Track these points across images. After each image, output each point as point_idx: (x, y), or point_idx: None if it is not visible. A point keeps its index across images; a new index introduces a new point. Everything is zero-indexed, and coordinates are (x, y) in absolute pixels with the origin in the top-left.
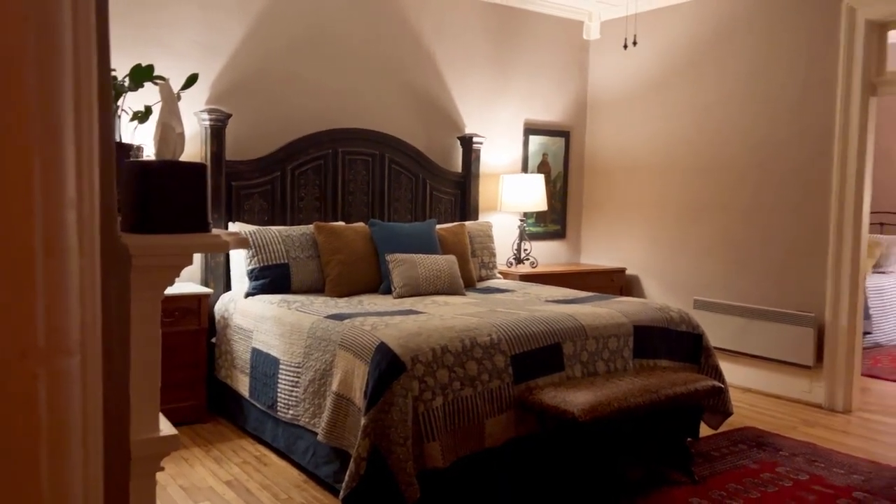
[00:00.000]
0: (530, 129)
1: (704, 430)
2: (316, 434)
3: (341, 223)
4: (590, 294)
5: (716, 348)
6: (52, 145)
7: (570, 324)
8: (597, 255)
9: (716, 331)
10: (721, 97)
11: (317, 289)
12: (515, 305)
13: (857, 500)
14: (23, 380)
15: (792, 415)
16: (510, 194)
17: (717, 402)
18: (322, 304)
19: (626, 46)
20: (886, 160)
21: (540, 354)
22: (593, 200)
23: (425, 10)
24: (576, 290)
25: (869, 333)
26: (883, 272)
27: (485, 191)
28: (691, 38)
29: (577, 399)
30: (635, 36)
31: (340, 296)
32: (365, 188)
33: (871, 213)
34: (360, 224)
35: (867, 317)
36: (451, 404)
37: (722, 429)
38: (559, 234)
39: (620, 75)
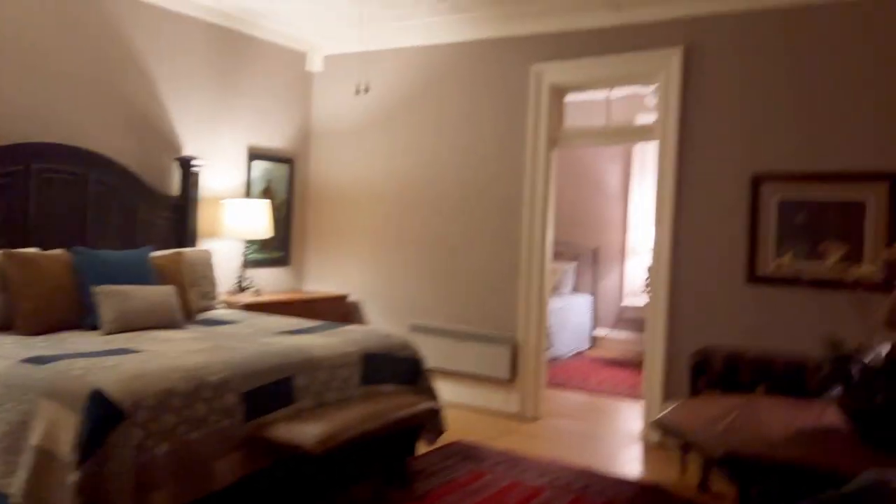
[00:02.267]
0: (254, 155)
1: (421, 448)
2: (8, 498)
3: (35, 250)
4: (317, 323)
5: (429, 368)
6: None
7: (301, 356)
8: (320, 282)
9: (429, 352)
10: (436, 139)
11: (5, 326)
12: (243, 338)
13: (547, 497)
14: None
15: (493, 426)
16: (233, 220)
17: (433, 421)
18: (14, 345)
19: (357, 92)
20: (560, 198)
21: (272, 389)
22: (317, 228)
23: (139, 22)
24: (303, 320)
25: (550, 348)
26: (559, 295)
27: (205, 216)
28: (410, 82)
29: (310, 431)
30: (367, 84)
31: (36, 333)
32: (65, 211)
33: None
34: (60, 251)
35: (548, 334)
36: (176, 450)
37: (436, 445)
38: (283, 261)
39: (344, 108)
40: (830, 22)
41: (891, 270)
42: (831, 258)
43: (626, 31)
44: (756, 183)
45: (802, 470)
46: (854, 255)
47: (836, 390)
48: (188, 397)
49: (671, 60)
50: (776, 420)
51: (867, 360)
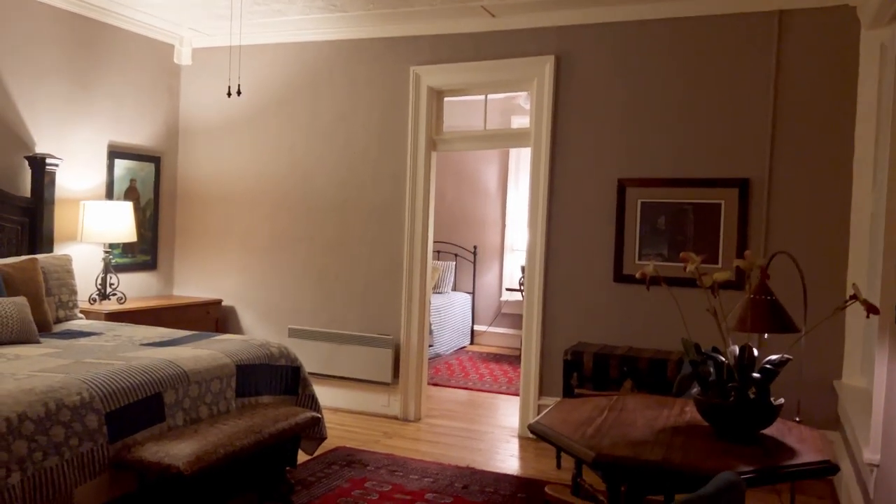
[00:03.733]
0: (116, 153)
1: (301, 457)
2: None
3: None
4: (188, 333)
5: (309, 373)
6: None
7: (171, 370)
8: (191, 287)
9: (309, 357)
10: (311, 137)
11: None
12: (106, 353)
13: (428, 500)
14: None
15: (375, 429)
16: (93, 223)
17: (313, 429)
18: None
19: (229, 94)
20: (440, 199)
21: (138, 407)
22: (187, 229)
23: None
24: (173, 330)
25: (431, 346)
26: (440, 293)
27: (61, 219)
28: (284, 79)
29: (181, 451)
30: (239, 86)
31: None
32: None
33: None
34: None
35: (430, 332)
36: (31, 479)
37: (317, 453)
38: (150, 266)
39: (214, 104)
40: (691, 35)
41: (743, 274)
42: (690, 265)
43: (501, 38)
44: (622, 187)
45: (665, 469)
46: (711, 258)
47: (695, 389)
48: (44, 421)
49: (544, 68)
50: (641, 420)
51: (721, 361)
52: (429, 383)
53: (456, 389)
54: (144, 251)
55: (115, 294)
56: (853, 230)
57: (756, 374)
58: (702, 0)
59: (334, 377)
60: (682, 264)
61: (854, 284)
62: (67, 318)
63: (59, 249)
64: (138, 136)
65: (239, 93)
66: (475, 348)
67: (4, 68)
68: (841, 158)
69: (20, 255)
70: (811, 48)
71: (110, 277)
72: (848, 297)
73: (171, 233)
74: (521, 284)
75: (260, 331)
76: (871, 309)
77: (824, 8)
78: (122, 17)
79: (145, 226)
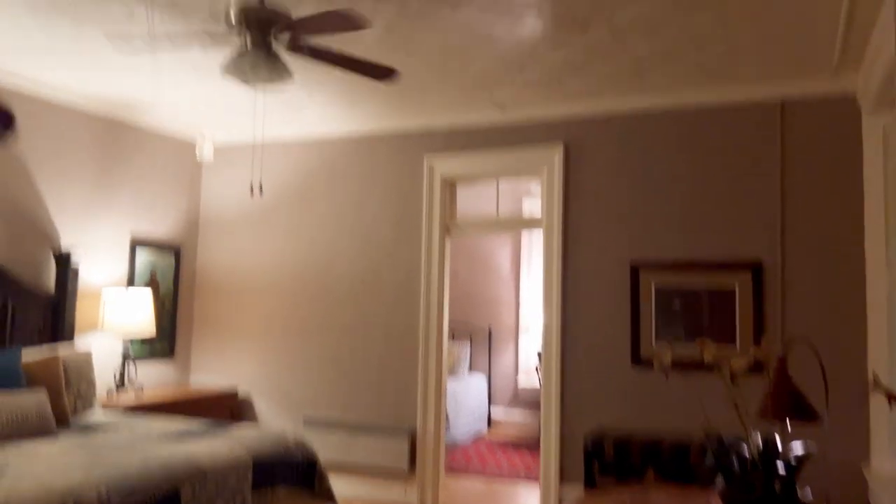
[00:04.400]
0: (138, 244)
1: None
2: None
3: None
4: (204, 425)
5: (325, 462)
6: None
7: (187, 465)
8: (208, 375)
9: (324, 445)
10: (329, 228)
11: None
12: (123, 448)
13: None
14: None
15: None
16: (114, 315)
17: None
18: None
19: (252, 193)
20: (453, 278)
21: None
22: (204, 318)
23: (14, 110)
24: (190, 421)
25: (448, 430)
26: (455, 377)
27: (83, 309)
28: (303, 174)
29: None
30: (261, 185)
31: None
32: None
33: None
34: None
35: (445, 418)
36: None
37: None
38: (167, 353)
39: (234, 197)
40: (695, 125)
41: (760, 363)
42: (707, 354)
43: (511, 129)
44: (635, 270)
45: None
46: (728, 340)
47: (719, 481)
48: None
49: (553, 156)
50: None
51: (744, 451)
52: (446, 471)
53: (474, 478)
54: (162, 339)
55: (133, 384)
56: (870, 311)
57: (781, 471)
58: (703, 91)
59: (350, 466)
60: (699, 351)
61: (874, 371)
62: (86, 412)
63: (80, 339)
64: (159, 228)
65: (262, 192)
66: (493, 435)
67: (34, 167)
68: (852, 240)
69: (42, 343)
70: (815, 135)
71: (128, 368)
72: (871, 385)
73: (189, 322)
74: (537, 370)
75: (275, 419)
76: (894, 398)
77: (825, 97)
78: (145, 118)
79: (164, 315)
